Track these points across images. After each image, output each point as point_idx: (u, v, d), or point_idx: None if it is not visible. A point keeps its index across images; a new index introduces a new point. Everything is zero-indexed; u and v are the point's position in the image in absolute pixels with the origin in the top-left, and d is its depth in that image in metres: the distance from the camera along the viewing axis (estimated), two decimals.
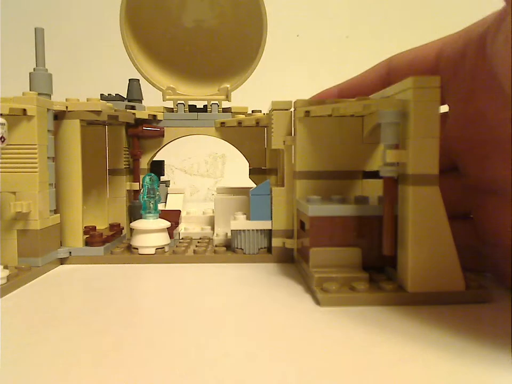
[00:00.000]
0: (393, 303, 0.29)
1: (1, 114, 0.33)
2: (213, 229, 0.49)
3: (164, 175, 0.53)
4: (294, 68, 0.96)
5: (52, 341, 0.24)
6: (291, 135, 0.40)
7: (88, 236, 0.42)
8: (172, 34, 0.49)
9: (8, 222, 0.36)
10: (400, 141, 0.30)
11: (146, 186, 0.42)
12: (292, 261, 0.41)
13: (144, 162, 0.50)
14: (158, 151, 0.50)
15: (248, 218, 0.42)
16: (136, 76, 0.49)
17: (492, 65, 0.27)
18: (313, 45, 0.98)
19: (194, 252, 0.42)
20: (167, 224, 0.42)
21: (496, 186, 0.31)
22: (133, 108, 0.48)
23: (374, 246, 0.32)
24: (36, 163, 0.36)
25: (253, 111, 0.49)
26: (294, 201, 0.40)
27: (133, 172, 0.49)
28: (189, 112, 0.49)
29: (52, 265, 0.39)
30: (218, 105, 0.49)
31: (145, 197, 0.42)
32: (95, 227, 0.46)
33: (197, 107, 0.50)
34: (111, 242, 0.43)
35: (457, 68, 0.31)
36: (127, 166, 0.49)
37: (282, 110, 0.40)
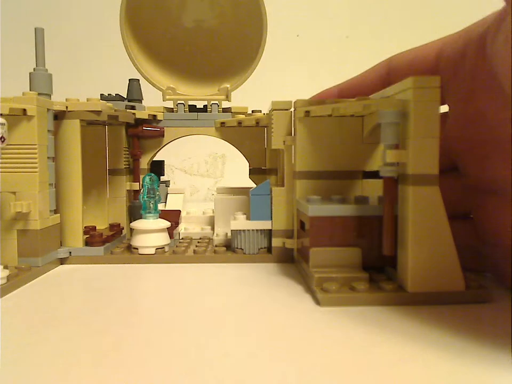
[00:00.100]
0: (393, 303, 0.29)
1: (1, 114, 0.33)
2: (213, 229, 0.49)
3: (164, 175, 0.53)
4: (294, 68, 0.96)
5: (51, 341, 0.24)
6: (291, 135, 0.40)
7: (88, 236, 0.42)
8: (172, 34, 0.49)
9: (8, 222, 0.36)
10: (400, 141, 0.30)
11: (146, 186, 0.42)
12: (292, 261, 0.41)
13: (144, 162, 0.50)
14: (158, 151, 0.50)
15: (248, 218, 0.42)
16: (136, 75, 0.49)
17: (492, 65, 0.27)
18: (313, 45, 0.98)
19: (194, 251, 0.42)
20: (167, 224, 0.42)
21: (496, 186, 0.31)
22: (133, 108, 0.48)
23: (374, 246, 0.32)
24: (36, 163, 0.36)
25: (253, 111, 0.49)
26: (294, 201, 0.40)
27: (133, 172, 0.49)
28: (189, 112, 0.49)
29: (52, 265, 0.39)
30: (218, 105, 0.49)
31: (145, 197, 0.42)
32: (95, 227, 0.46)
33: (197, 107, 0.50)
34: (111, 242, 0.43)
35: (457, 67, 0.31)
36: (127, 166, 0.49)
37: (282, 110, 0.40)
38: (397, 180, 0.31)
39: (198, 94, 0.50)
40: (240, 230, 0.41)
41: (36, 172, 0.36)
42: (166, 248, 0.42)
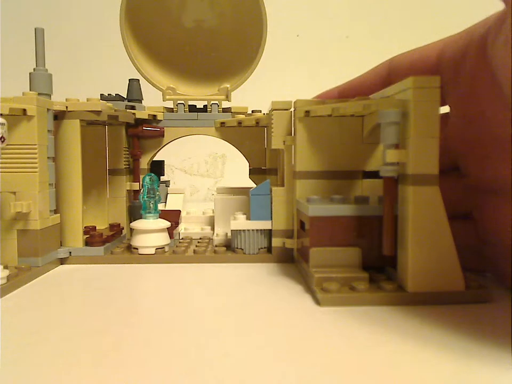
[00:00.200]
0: (393, 303, 0.29)
1: (1, 114, 0.33)
2: (213, 229, 0.49)
3: (164, 175, 0.53)
4: (294, 68, 0.96)
5: (51, 341, 0.24)
6: (291, 135, 0.40)
7: (88, 236, 0.42)
8: (172, 34, 0.49)
9: (8, 222, 0.36)
10: (400, 141, 0.30)
11: (146, 186, 0.42)
12: (292, 261, 0.41)
13: (144, 162, 0.50)
14: (158, 151, 0.50)
15: (248, 218, 0.42)
16: (136, 76, 0.49)
17: (492, 66, 0.27)
18: (313, 45, 0.98)
19: (194, 252, 0.42)
20: (167, 224, 0.42)
21: (496, 186, 0.31)
22: (132, 107, 0.48)
23: (374, 246, 0.32)
24: (36, 163, 0.36)
25: (253, 111, 0.49)
26: (294, 201, 0.40)
27: (133, 172, 0.49)
28: (189, 112, 0.49)
29: (52, 265, 0.39)
30: (218, 105, 0.49)
31: (145, 197, 0.42)
32: (95, 227, 0.46)
33: (197, 107, 0.50)
34: (111, 242, 0.43)
35: (458, 68, 0.31)
36: (127, 166, 0.49)
37: (282, 110, 0.40)
38: (397, 180, 0.31)
39: (198, 94, 0.50)
40: (240, 230, 0.41)
41: (36, 172, 0.36)
42: (166, 248, 0.42)
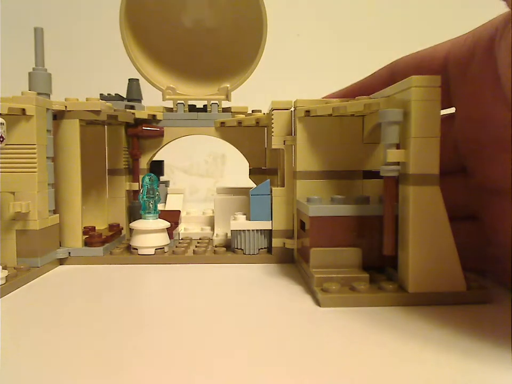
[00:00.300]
0: (393, 304, 0.29)
1: (0, 113, 0.33)
2: (212, 229, 0.49)
3: (163, 175, 0.53)
4: (294, 68, 0.96)
5: (51, 341, 0.24)
6: (291, 135, 0.40)
7: (87, 236, 0.41)
8: (171, 34, 0.49)
9: (7, 222, 0.36)
10: (400, 141, 0.30)
11: (146, 186, 0.42)
12: (292, 261, 0.41)
13: (144, 162, 0.49)
14: (158, 151, 0.50)
15: (248, 218, 0.42)
16: (136, 75, 0.49)
17: (497, 67, 0.27)
18: (313, 45, 0.97)
19: (194, 252, 0.42)
20: (166, 224, 0.42)
21: (501, 187, 0.30)
22: (132, 107, 0.48)
23: (375, 246, 0.32)
24: (35, 163, 0.36)
25: (253, 111, 0.49)
26: (294, 201, 0.39)
27: (133, 172, 0.49)
28: (189, 112, 0.49)
29: (51, 265, 0.39)
30: (218, 105, 0.49)
31: (144, 197, 0.42)
32: (95, 227, 0.46)
33: (197, 107, 0.50)
34: (111, 242, 0.43)
35: (466, 68, 0.31)
36: (127, 166, 0.49)
37: (282, 109, 0.40)
38: (398, 180, 0.31)
39: (198, 94, 0.50)
40: (240, 230, 0.41)
41: (35, 172, 0.36)
42: (166, 249, 0.42)
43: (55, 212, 0.40)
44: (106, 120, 0.42)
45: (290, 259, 0.41)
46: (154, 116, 0.48)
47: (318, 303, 0.29)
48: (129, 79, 0.50)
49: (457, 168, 0.34)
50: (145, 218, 0.42)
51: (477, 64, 0.29)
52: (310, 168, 0.38)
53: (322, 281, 0.30)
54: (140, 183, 0.48)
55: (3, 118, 0.32)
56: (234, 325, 0.26)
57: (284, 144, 0.40)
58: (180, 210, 0.49)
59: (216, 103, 0.49)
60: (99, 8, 0.94)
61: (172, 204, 0.51)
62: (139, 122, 0.48)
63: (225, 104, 0.50)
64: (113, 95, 0.48)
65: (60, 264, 0.40)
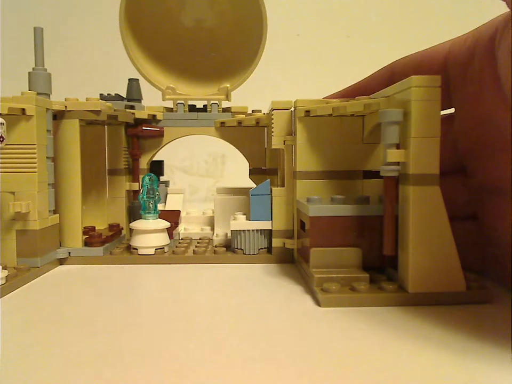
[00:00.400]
0: (393, 304, 0.29)
1: (0, 114, 0.33)
2: (212, 229, 0.49)
3: (163, 175, 0.53)
4: (294, 68, 0.95)
5: (51, 341, 0.24)
6: (291, 135, 0.40)
7: (87, 236, 0.41)
8: (171, 34, 0.49)
9: (7, 222, 0.36)
10: (400, 141, 0.30)
11: (146, 186, 0.42)
12: (292, 261, 0.41)
13: (144, 162, 0.49)
14: (158, 151, 0.50)
15: (248, 218, 0.41)
16: (136, 75, 0.49)
17: (497, 67, 0.27)
18: (313, 45, 0.97)
19: (194, 252, 0.42)
20: (166, 224, 0.42)
21: (501, 187, 0.30)
22: (132, 107, 0.48)
23: (375, 246, 0.32)
24: (35, 163, 0.36)
25: (253, 111, 0.49)
26: (294, 201, 0.39)
27: (133, 172, 0.49)
28: (189, 112, 0.49)
29: (51, 265, 0.39)
30: (218, 105, 0.49)
31: (144, 197, 0.42)
32: (95, 227, 0.46)
33: (197, 107, 0.50)
34: (111, 242, 0.43)
35: (466, 68, 0.31)
36: (127, 166, 0.49)
37: (282, 109, 0.40)
38: (398, 180, 0.30)
39: (198, 94, 0.50)
40: (240, 230, 0.41)
41: (35, 172, 0.36)
42: (166, 249, 0.42)
43: (55, 212, 0.40)
44: (106, 120, 0.42)
45: (290, 259, 0.41)
46: (154, 115, 0.48)
47: (318, 303, 0.29)
48: (129, 79, 0.50)
49: (457, 168, 0.34)
50: (145, 218, 0.42)
51: (477, 64, 0.29)
52: (310, 168, 0.38)
53: (322, 281, 0.30)
54: (140, 183, 0.48)
55: (3, 118, 0.32)
56: (234, 325, 0.26)
57: (284, 144, 0.40)
58: (179, 210, 0.49)
59: (216, 103, 0.49)
60: (99, 8, 0.94)
61: (171, 204, 0.51)
62: (139, 122, 0.48)
63: (225, 104, 0.50)
64: (113, 95, 0.48)
65: (60, 264, 0.40)
